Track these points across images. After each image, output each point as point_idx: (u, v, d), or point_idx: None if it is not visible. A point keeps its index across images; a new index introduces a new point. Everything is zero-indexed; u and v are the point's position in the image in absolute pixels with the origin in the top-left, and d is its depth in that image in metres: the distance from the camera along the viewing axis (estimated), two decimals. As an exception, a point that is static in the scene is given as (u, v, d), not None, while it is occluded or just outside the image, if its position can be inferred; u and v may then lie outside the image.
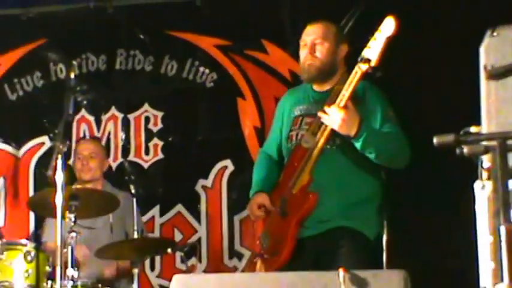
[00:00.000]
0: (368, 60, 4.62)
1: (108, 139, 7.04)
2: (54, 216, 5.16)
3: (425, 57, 6.01)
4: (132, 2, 7.02)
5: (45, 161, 6.72)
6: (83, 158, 6.34)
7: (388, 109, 4.90)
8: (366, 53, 4.62)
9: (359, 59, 4.65)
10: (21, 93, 7.21)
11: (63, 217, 5.09)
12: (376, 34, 4.60)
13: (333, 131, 4.77)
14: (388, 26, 4.58)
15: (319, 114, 4.76)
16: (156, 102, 7.05)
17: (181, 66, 7.01)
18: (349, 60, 4.88)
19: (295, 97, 5.23)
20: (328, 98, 4.82)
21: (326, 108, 4.73)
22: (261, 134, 6.48)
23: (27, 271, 5.62)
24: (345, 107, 4.67)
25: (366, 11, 4.88)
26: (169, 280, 4.10)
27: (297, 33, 5.18)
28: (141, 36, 7.03)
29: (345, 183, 4.90)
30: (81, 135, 6.99)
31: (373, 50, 4.61)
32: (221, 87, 6.91)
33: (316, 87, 5.04)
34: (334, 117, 4.68)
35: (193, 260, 6.71)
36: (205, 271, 6.64)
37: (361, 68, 4.63)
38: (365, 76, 4.66)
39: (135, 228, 6.06)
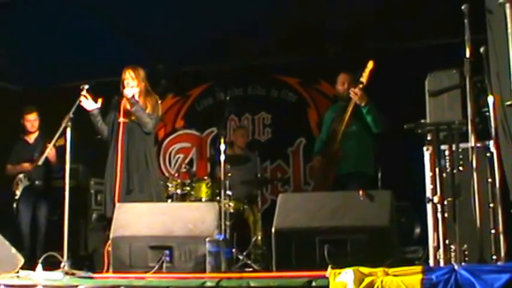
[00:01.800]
0: (362, 82, 4.78)
1: (245, 128, 7.09)
2: (220, 166, 5.35)
3: (406, 87, 5.69)
4: (253, 62, 6.94)
5: (215, 140, 6.85)
6: (241, 136, 6.46)
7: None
8: (360, 78, 4.79)
9: (357, 82, 4.81)
10: (202, 107, 7.27)
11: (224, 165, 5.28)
12: (365, 69, 4.76)
13: (350, 120, 4.83)
14: (370, 64, 4.74)
15: (351, 92, 4.84)
16: (267, 110, 7.01)
17: (280, 92, 6.97)
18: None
19: (333, 108, 5.29)
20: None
21: (352, 89, 4.82)
22: (319, 125, 6.46)
23: (207, 192, 5.79)
24: (361, 89, 4.78)
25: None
26: (276, 196, 4.10)
27: (335, 77, 5.22)
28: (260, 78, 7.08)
29: (357, 149, 4.93)
30: (233, 127, 6.91)
31: (364, 76, 4.75)
32: (299, 103, 6.86)
33: (342, 103, 5.10)
34: (356, 93, 4.77)
35: (286, 187, 6.80)
36: (292, 191, 6.62)
37: (359, 86, 4.78)
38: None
39: (258, 171, 6.23)
